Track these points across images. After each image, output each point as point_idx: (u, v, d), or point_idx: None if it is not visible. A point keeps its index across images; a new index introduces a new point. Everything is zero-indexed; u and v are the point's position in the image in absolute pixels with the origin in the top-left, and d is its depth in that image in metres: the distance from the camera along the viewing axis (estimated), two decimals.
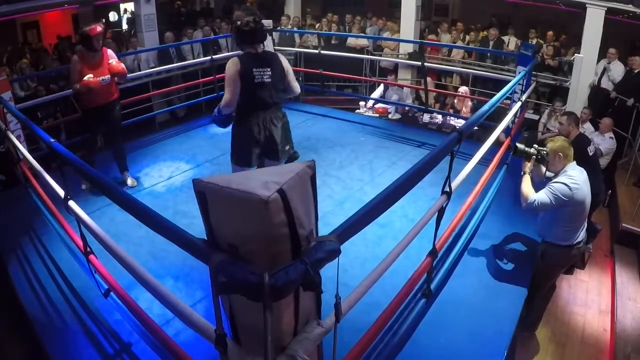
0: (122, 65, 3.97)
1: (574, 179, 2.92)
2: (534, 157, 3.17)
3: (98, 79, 3.75)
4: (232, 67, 2.84)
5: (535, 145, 3.21)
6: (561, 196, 2.88)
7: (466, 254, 3.16)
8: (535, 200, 2.97)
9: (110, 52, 3.97)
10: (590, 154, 4.04)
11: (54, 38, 9.04)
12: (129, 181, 4.24)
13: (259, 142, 2.97)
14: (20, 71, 6.34)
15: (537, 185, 3.11)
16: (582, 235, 3.12)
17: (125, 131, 5.38)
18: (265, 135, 2.95)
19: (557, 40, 7.90)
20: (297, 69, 7.73)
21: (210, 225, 1.34)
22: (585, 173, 3.01)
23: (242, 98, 2.90)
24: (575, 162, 3.03)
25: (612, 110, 6.34)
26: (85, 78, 3.68)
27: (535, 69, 5.86)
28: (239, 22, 2.82)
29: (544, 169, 3.23)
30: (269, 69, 2.88)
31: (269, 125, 2.95)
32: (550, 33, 7.83)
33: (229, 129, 3.19)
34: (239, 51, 3.01)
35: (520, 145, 3.21)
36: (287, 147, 3.09)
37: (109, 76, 3.86)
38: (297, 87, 3.13)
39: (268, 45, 5.65)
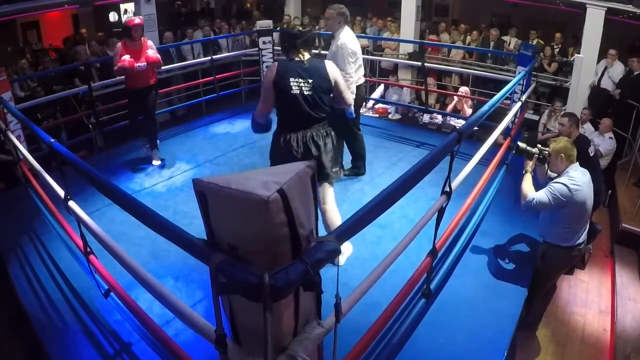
0: (158, 55, 4.41)
1: (575, 180, 2.91)
2: (536, 156, 3.16)
3: (135, 64, 4.21)
4: (267, 73, 2.71)
5: (539, 145, 3.20)
6: (560, 197, 2.88)
7: (466, 254, 3.16)
8: (534, 199, 2.97)
9: (150, 42, 4.43)
10: (591, 154, 4.04)
11: (54, 38, 9.05)
12: (154, 161, 4.66)
13: (296, 160, 2.64)
14: (20, 71, 6.33)
15: (541, 185, 3.10)
16: (583, 236, 3.11)
17: (125, 131, 5.43)
18: (303, 154, 2.67)
19: (559, 43, 7.89)
20: None
21: (210, 225, 1.34)
22: (588, 175, 3.00)
23: (279, 110, 2.75)
24: (577, 163, 3.01)
25: (612, 111, 6.34)
26: (122, 58, 4.17)
27: (535, 69, 5.87)
28: (285, 26, 2.84)
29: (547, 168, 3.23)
30: (310, 80, 2.62)
31: (309, 143, 2.69)
32: (557, 35, 7.82)
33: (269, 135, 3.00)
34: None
35: (522, 144, 3.21)
36: (335, 169, 2.85)
37: (145, 63, 4.28)
38: (349, 98, 2.91)
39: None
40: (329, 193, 2.89)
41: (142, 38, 4.34)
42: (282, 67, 2.64)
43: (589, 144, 4.08)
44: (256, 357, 1.33)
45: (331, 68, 2.73)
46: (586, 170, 3.02)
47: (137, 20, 4.30)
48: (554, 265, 3.18)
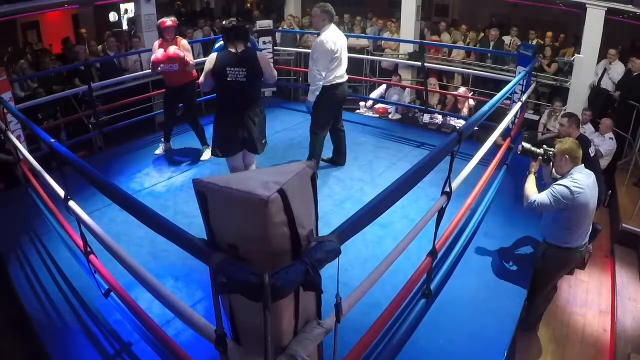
0: (181, 53, 4.38)
1: (578, 182, 2.89)
2: (541, 157, 3.16)
3: (165, 65, 4.37)
4: (207, 64, 3.19)
5: (544, 146, 3.20)
6: (561, 198, 2.87)
7: (466, 254, 3.16)
8: (535, 200, 2.97)
9: (183, 42, 4.52)
10: (591, 155, 4.05)
11: (54, 38, 9.05)
12: (204, 155, 4.73)
13: (236, 136, 3.24)
14: (20, 71, 6.34)
15: (546, 185, 3.09)
16: (584, 239, 3.10)
17: (125, 131, 5.43)
18: (242, 130, 3.23)
19: (557, 40, 7.89)
20: (297, 69, 7.75)
21: (210, 225, 1.34)
22: (592, 177, 2.98)
23: (218, 92, 3.28)
24: (583, 165, 2.99)
25: (612, 111, 6.35)
26: (153, 55, 4.34)
27: (535, 69, 5.86)
28: (224, 22, 3.24)
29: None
30: (243, 69, 3.09)
31: (247, 121, 3.22)
32: (549, 34, 7.82)
33: None
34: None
35: (526, 145, 3.21)
36: (264, 141, 3.46)
37: (176, 65, 4.40)
38: (272, 73, 3.37)
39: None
40: (254, 162, 3.60)
41: (176, 38, 4.52)
42: (220, 58, 3.11)
43: (589, 144, 4.08)
44: (256, 356, 1.33)
45: (260, 55, 3.25)
46: (591, 172, 3.00)
47: (169, 22, 4.47)
48: (554, 266, 3.18)
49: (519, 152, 3.34)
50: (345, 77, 4.14)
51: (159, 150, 4.89)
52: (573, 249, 3.08)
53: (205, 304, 2.71)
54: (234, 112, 3.21)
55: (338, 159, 4.55)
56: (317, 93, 3.98)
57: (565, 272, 3.30)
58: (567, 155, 2.97)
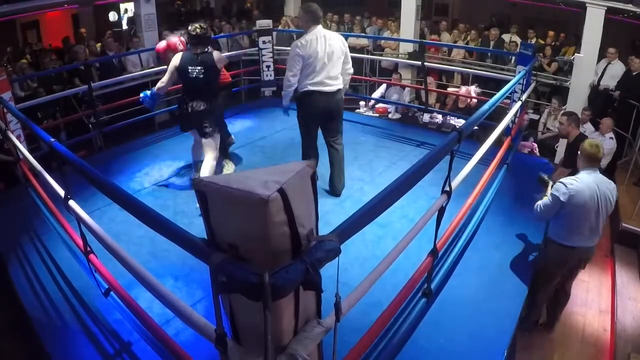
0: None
1: (577, 179, 2.95)
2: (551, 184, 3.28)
3: None
4: (173, 61, 3.70)
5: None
6: (556, 193, 2.96)
7: (466, 253, 3.15)
8: (538, 204, 3.09)
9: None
10: None
11: (54, 38, 9.05)
12: (227, 165, 4.54)
13: (189, 119, 3.77)
14: (20, 71, 6.34)
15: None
16: (588, 241, 3.12)
17: (125, 131, 5.43)
18: (194, 113, 3.71)
19: (557, 40, 7.88)
20: None
21: (210, 224, 1.34)
22: (596, 178, 2.99)
23: (183, 85, 3.80)
24: (596, 168, 3.03)
25: (612, 111, 6.35)
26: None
27: (535, 69, 5.86)
28: (189, 28, 3.62)
29: None
30: (201, 68, 3.62)
31: (198, 107, 3.69)
32: (551, 33, 7.82)
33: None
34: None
35: (543, 176, 3.45)
36: (210, 129, 3.75)
37: None
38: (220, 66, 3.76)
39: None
40: (209, 150, 3.80)
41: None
42: (184, 57, 3.67)
43: None
44: (256, 356, 1.33)
45: (217, 57, 3.70)
46: (598, 175, 3.01)
47: (163, 45, 4.24)
48: (552, 261, 3.21)
49: (537, 180, 3.50)
50: (328, 88, 3.68)
51: (226, 168, 4.47)
52: (573, 248, 3.10)
53: (205, 303, 2.71)
54: (191, 100, 3.70)
55: (330, 187, 4.00)
56: (288, 99, 3.84)
57: (563, 270, 3.30)
58: (580, 152, 3.07)
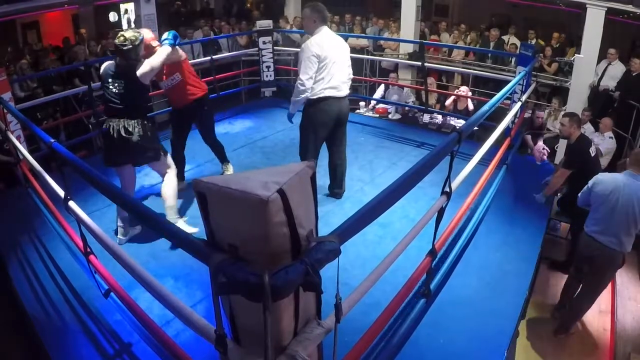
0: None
1: (605, 175, 3.40)
2: None
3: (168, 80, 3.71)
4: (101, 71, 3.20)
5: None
6: (589, 181, 3.40)
7: (466, 253, 3.16)
8: (579, 195, 3.50)
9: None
10: (592, 154, 4.05)
11: (54, 38, 9.04)
12: (227, 170, 4.33)
13: (115, 145, 3.10)
14: (20, 71, 6.34)
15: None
16: (604, 237, 3.29)
17: None
18: (117, 138, 3.07)
19: (558, 41, 7.88)
20: (297, 69, 7.73)
21: (210, 225, 1.34)
22: (627, 180, 3.25)
23: (103, 101, 3.20)
24: (634, 174, 3.27)
25: (612, 111, 6.35)
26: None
27: (535, 69, 5.86)
28: (116, 40, 3.11)
29: None
30: (121, 81, 3.07)
31: (122, 132, 3.07)
32: (556, 35, 7.82)
33: None
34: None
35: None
36: (149, 154, 3.19)
37: (178, 73, 3.69)
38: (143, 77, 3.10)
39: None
40: (161, 168, 3.32)
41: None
42: (105, 69, 3.15)
43: (590, 144, 4.08)
44: (256, 357, 1.33)
45: (141, 72, 3.07)
46: (631, 179, 3.25)
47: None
48: (578, 246, 3.58)
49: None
50: (342, 92, 3.53)
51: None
52: (589, 237, 3.34)
53: (205, 304, 2.71)
54: (111, 122, 3.11)
55: (331, 189, 3.92)
56: (299, 105, 3.55)
57: (584, 264, 3.53)
58: (630, 156, 3.43)
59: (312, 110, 3.51)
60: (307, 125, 3.58)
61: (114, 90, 3.08)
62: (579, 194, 3.47)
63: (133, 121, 3.10)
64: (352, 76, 3.70)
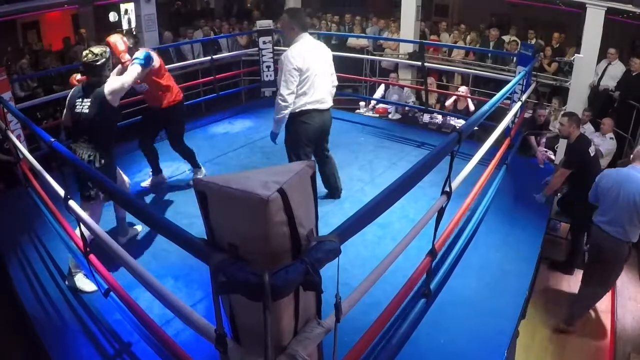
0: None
1: (607, 170, 3.71)
2: None
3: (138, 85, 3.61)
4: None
5: None
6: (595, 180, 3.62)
7: (466, 253, 3.15)
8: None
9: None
10: (592, 154, 4.05)
11: (54, 38, 9.05)
12: (199, 175, 4.18)
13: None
14: (20, 71, 6.34)
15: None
16: (609, 227, 3.48)
17: (125, 131, 5.42)
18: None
19: (558, 41, 7.89)
20: None
21: (210, 225, 1.34)
22: (630, 175, 3.45)
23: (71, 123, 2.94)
24: (633, 164, 3.54)
25: (612, 111, 6.35)
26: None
27: (535, 69, 5.86)
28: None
29: None
30: (87, 100, 2.82)
31: (91, 160, 2.81)
32: (556, 35, 7.82)
33: None
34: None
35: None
36: (92, 191, 2.79)
37: (143, 85, 3.66)
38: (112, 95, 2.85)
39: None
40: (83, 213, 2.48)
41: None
42: (74, 90, 2.95)
43: (589, 144, 4.08)
44: (256, 356, 1.33)
45: (108, 89, 2.82)
46: (635, 173, 3.46)
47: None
48: (589, 238, 3.86)
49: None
50: (326, 105, 3.33)
51: (146, 183, 4.21)
52: (601, 229, 3.52)
53: (205, 303, 2.71)
54: (74, 143, 2.88)
55: (330, 192, 3.83)
56: (283, 124, 3.31)
57: (595, 256, 3.68)
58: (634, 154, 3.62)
59: (296, 126, 3.30)
60: (292, 142, 3.38)
61: (80, 110, 2.84)
62: (589, 192, 3.65)
63: (88, 151, 2.83)
64: (336, 84, 3.48)
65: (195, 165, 4.24)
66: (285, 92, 3.12)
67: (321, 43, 3.38)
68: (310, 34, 3.34)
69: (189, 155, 4.15)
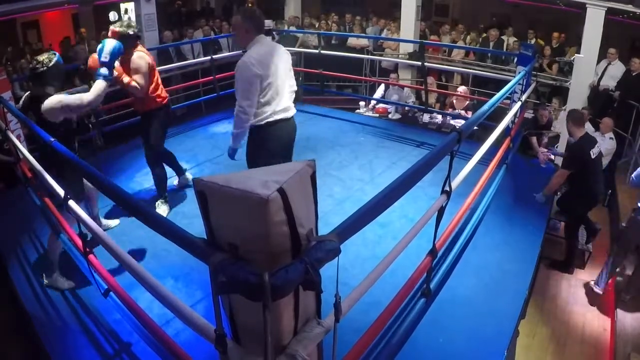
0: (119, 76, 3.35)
1: None
2: None
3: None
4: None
5: None
6: None
7: (466, 253, 3.15)
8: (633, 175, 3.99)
9: (135, 56, 3.41)
10: (592, 157, 4.04)
11: (54, 38, 9.05)
12: (185, 178, 4.21)
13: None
14: (20, 71, 6.34)
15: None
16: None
17: (125, 131, 5.42)
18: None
19: (558, 40, 7.89)
20: (298, 69, 7.73)
21: (210, 224, 1.34)
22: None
23: None
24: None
25: (612, 111, 6.35)
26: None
27: (535, 69, 5.85)
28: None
29: None
30: (31, 114, 2.74)
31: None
32: (556, 35, 7.82)
33: None
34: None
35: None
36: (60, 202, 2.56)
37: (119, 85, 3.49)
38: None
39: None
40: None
41: (132, 51, 3.44)
42: (23, 99, 2.85)
43: (592, 144, 4.08)
44: (256, 356, 1.33)
45: (46, 105, 2.69)
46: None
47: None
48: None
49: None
50: (290, 112, 3.00)
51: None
52: None
53: (205, 303, 2.71)
54: None
55: None
56: (242, 138, 2.99)
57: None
58: None
59: (261, 140, 2.96)
60: (256, 158, 3.01)
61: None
62: (633, 176, 3.97)
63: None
64: (295, 89, 3.10)
65: (177, 173, 4.15)
66: (245, 103, 2.79)
67: (279, 45, 3.04)
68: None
69: (150, 161, 3.86)
